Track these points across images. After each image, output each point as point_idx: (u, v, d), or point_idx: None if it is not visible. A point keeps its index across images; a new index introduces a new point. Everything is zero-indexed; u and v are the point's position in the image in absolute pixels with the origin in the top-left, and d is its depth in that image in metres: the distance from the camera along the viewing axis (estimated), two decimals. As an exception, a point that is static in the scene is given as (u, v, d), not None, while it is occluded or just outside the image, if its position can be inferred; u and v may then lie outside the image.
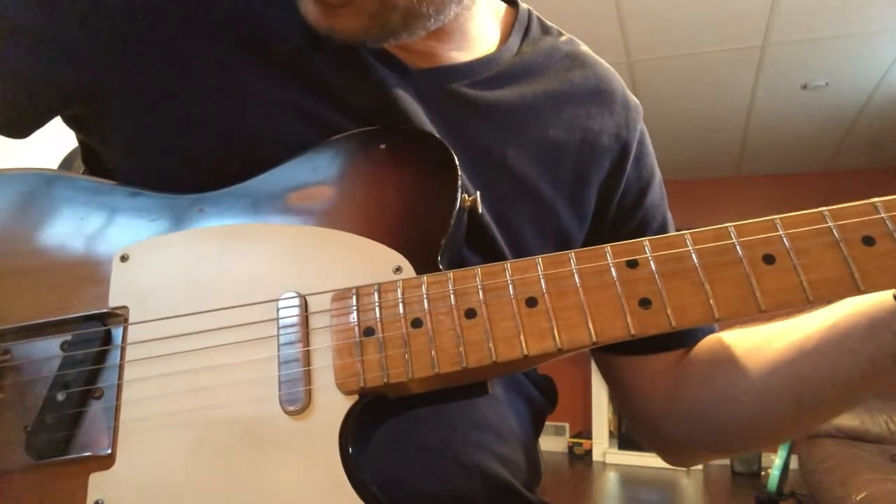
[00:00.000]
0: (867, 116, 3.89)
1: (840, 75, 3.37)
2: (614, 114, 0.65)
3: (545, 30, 0.68)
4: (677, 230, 0.45)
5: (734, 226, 0.41)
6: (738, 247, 0.40)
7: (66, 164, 0.97)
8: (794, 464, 3.29)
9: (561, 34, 0.68)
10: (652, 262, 0.41)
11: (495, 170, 0.57)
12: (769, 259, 0.40)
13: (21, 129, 0.56)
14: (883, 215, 0.39)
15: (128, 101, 0.53)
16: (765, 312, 0.39)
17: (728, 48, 3.12)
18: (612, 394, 0.71)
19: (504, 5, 0.67)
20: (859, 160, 4.67)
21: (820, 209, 0.40)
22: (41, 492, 0.43)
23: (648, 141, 0.69)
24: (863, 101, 3.69)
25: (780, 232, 0.40)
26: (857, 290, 0.38)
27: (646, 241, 0.42)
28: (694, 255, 0.41)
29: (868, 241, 0.39)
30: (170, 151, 0.53)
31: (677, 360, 0.64)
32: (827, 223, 0.39)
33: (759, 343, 0.56)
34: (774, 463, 3.18)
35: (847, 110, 3.82)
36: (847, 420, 3.21)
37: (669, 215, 0.70)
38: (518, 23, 0.65)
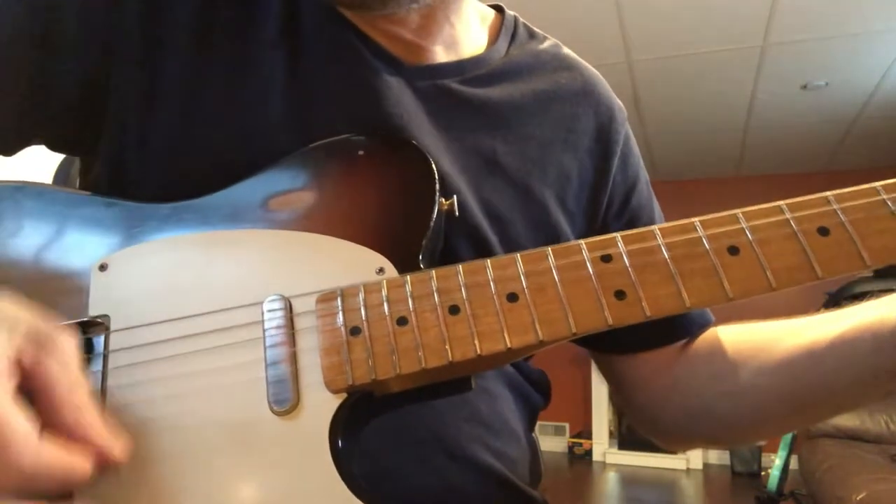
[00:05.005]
0: (867, 116, 3.89)
1: (840, 75, 3.37)
2: (599, 115, 0.67)
3: (531, 34, 0.70)
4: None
5: (700, 220, 0.43)
6: (704, 240, 0.43)
7: (63, 169, 0.96)
8: (794, 464, 3.28)
9: (546, 38, 0.70)
10: (625, 256, 0.43)
11: (485, 164, 0.59)
12: (734, 250, 0.42)
13: (6, 144, 0.56)
14: (835, 207, 0.42)
15: (126, 97, 0.53)
16: (733, 300, 0.41)
17: (728, 48, 3.12)
18: (611, 388, 0.72)
19: (492, 11, 0.69)
20: (859, 160, 4.67)
21: (777, 203, 0.43)
22: (23, 497, 0.42)
23: (633, 143, 0.71)
24: (863, 101, 3.69)
25: (743, 224, 0.42)
26: (816, 277, 0.41)
27: (618, 235, 0.44)
28: (664, 249, 0.43)
29: (823, 231, 0.41)
30: (163, 154, 0.53)
31: (676, 353, 0.65)
32: (785, 215, 0.42)
33: (764, 342, 0.57)
34: (774, 463, 3.17)
35: (847, 110, 3.82)
36: (847, 420, 3.21)
37: (659, 213, 0.71)
38: (505, 27, 0.67)
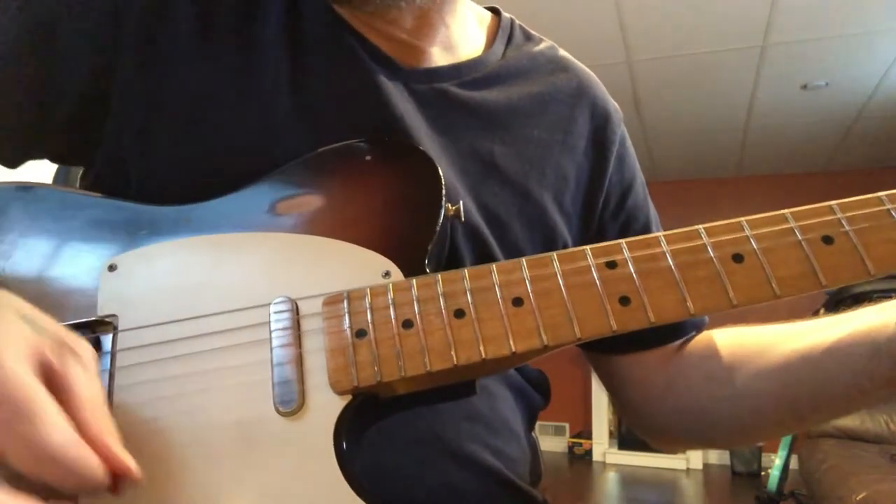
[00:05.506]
0: (867, 116, 3.89)
1: (840, 75, 3.37)
2: (595, 117, 0.67)
3: (528, 36, 0.70)
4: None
5: (704, 227, 0.43)
6: (708, 247, 0.43)
7: (62, 171, 0.96)
8: (794, 464, 3.28)
9: (542, 41, 0.71)
10: (630, 263, 0.43)
11: (483, 167, 0.59)
12: (738, 258, 0.42)
13: (10, 157, 0.56)
14: (839, 216, 0.42)
15: (129, 100, 0.53)
16: (736, 307, 0.42)
17: (728, 48, 3.12)
18: (605, 387, 0.72)
19: (489, 13, 0.70)
20: (859, 160, 4.67)
21: (782, 211, 0.43)
22: (33, 484, 0.42)
23: (629, 144, 0.72)
24: (863, 101, 3.69)
25: (748, 233, 0.43)
26: (820, 285, 0.41)
27: (623, 242, 0.44)
28: (668, 256, 0.43)
29: (827, 240, 0.42)
30: (167, 156, 0.53)
31: (670, 354, 0.66)
32: (790, 224, 0.42)
33: (761, 345, 0.58)
34: (774, 463, 3.17)
35: (847, 110, 3.82)
36: (847, 420, 3.20)
37: (654, 215, 0.72)
38: (502, 30, 0.68)
